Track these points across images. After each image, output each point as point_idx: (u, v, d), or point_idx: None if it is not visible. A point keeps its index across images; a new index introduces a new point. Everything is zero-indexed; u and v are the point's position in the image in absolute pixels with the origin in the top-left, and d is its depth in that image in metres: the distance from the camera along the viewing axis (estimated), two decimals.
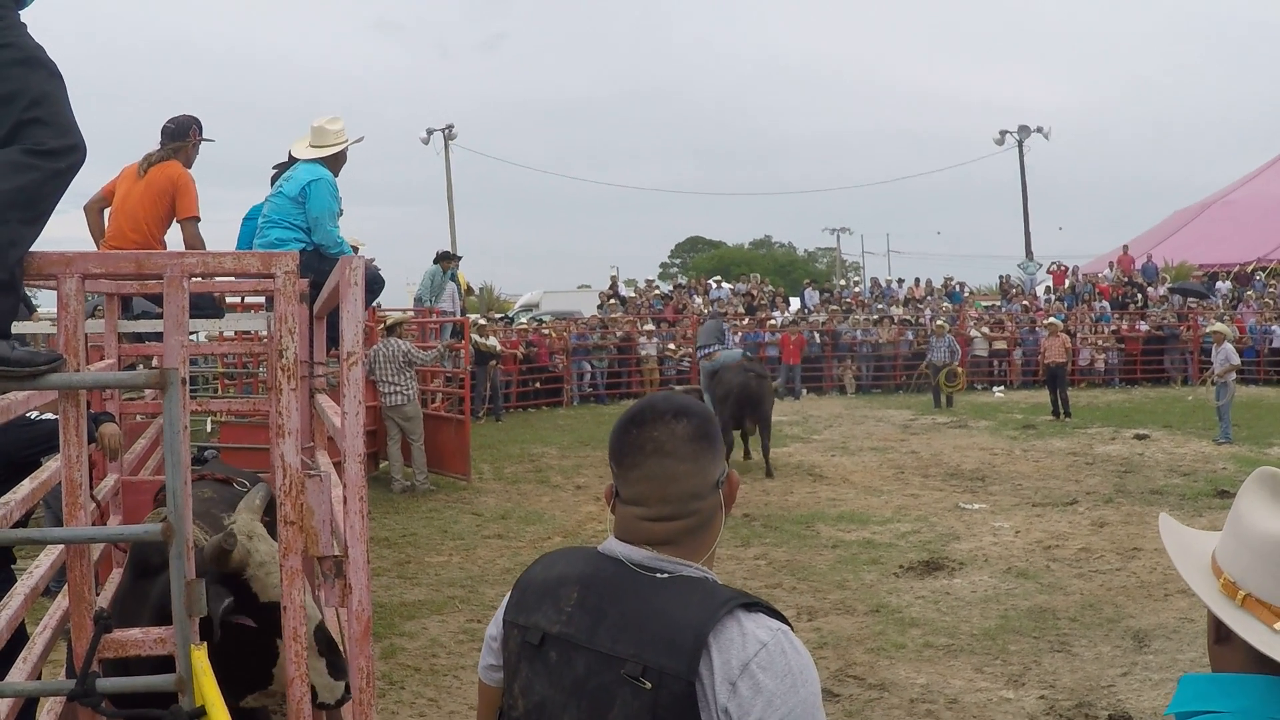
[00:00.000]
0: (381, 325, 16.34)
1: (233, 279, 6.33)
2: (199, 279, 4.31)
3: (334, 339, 7.56)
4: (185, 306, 3.27)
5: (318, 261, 7.84)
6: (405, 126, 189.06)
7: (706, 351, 18.97)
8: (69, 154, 3.28)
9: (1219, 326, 23.35)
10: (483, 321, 28.69)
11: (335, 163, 8.41)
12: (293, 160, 8.42)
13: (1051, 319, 28.79)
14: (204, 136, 9.02)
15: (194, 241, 8.63)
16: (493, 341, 25.76)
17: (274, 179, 8.84)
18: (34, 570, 4.20)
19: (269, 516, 4.04)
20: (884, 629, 9.24)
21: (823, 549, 12.17)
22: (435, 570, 11.40)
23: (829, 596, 10.27)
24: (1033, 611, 9.69)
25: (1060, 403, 25.12)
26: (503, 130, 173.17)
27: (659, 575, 2.19)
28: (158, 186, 8.55)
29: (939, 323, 29.59)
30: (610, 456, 2.34)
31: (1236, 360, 21.48)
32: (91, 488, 3.99)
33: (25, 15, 3.35)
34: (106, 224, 8.85)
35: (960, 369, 28.50)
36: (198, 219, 8.67)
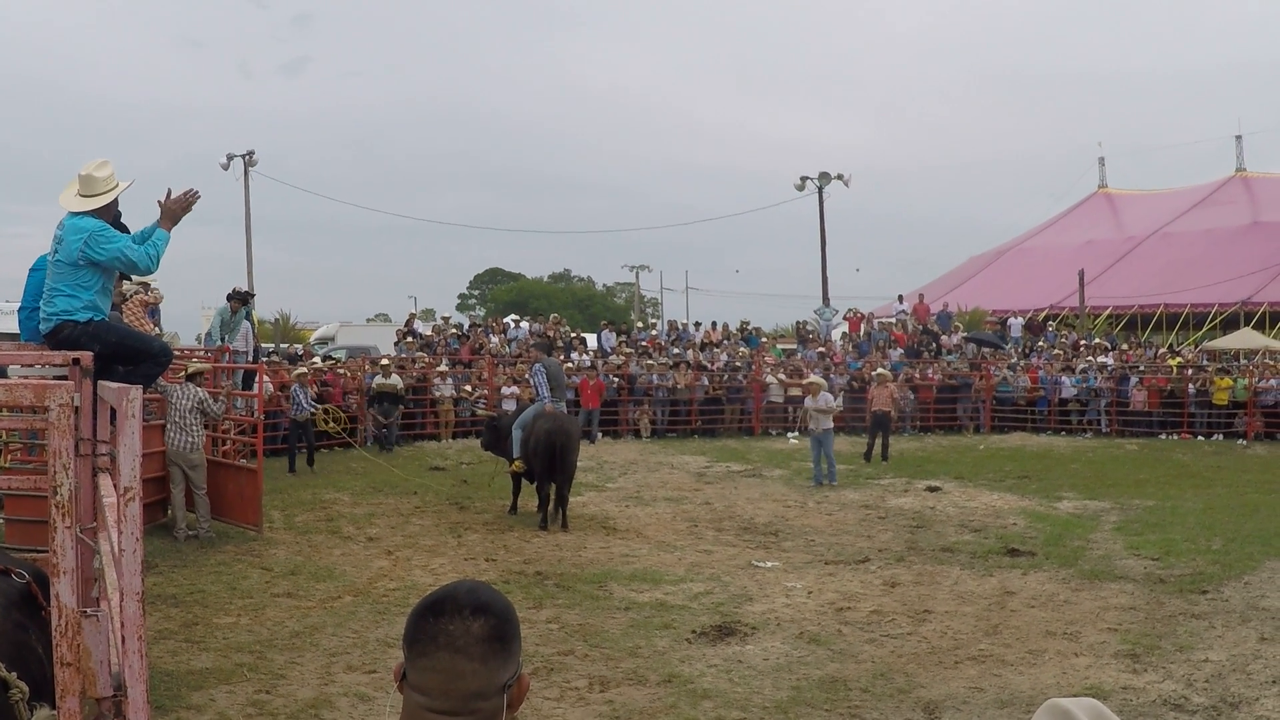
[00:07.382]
0: (182, 371, 15.97)
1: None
2: None
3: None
4: None
5: (104, 332, 7.61)
6: (204, 145, 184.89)
7: (544, 400, 17.99)
8: None
9: (813, 379, 25.17)
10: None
11: (106, 212, 8.07)
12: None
13: (881, 369, 29.78)
14: None
15: None
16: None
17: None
18: None
19: None
20: (676, 701, 9.20)
21: (615, 611, 12.12)
22: (223, 633, 11.03)
23: (621, 665, 10.21)
24: (824, 682, 9.76)
25: (882, 448, 26.65)
26: (304, 153, 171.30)
27: None
28: None
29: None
30: (403, 639, 2.27)
31: (823, 405, 22.89)
32: None
33: None
34: None
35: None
36: None
